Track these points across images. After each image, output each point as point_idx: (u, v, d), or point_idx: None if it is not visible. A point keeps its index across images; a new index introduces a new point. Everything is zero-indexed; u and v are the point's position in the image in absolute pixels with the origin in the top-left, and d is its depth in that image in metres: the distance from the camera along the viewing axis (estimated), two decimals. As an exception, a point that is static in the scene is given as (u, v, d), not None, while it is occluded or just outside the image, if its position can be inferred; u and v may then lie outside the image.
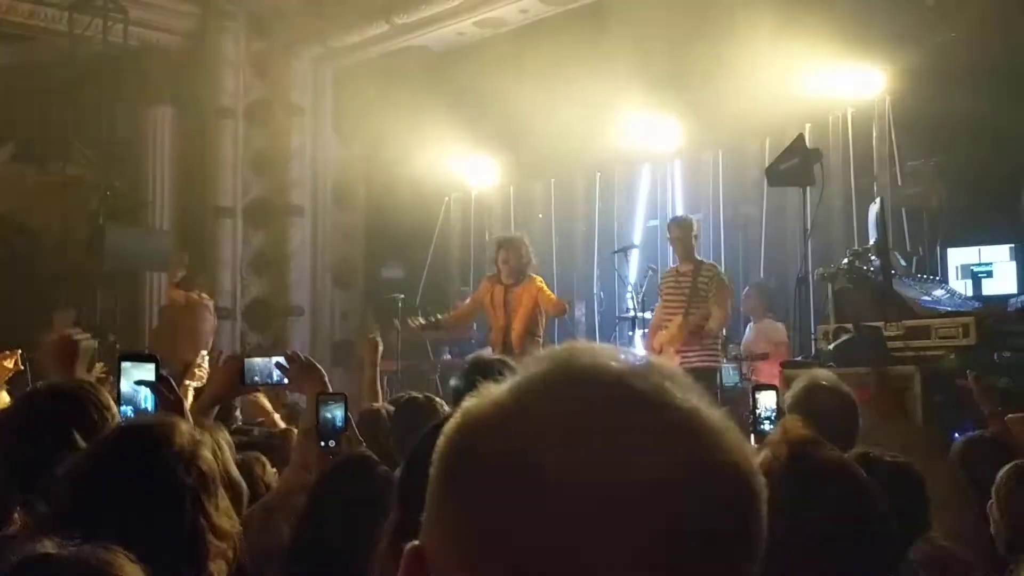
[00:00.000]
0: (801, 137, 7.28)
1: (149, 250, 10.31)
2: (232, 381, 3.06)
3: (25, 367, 5.80)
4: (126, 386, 2.54)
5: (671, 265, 7.94)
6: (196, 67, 11.21)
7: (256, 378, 3.08)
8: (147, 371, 2.58)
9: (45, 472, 1.97)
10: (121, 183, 10.63)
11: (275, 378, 3.07)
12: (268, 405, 5.81)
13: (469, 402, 0.73)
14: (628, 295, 9.32)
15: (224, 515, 1.78)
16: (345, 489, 2.31)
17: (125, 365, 2.59)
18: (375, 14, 10.32)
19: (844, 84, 8.41)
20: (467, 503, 0.68)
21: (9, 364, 5.46)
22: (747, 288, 8.83)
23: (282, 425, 5.49)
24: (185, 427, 1.89)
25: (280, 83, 11.37)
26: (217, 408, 3.14)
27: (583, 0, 9.44)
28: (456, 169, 12.54)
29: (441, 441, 0.72)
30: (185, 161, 11.21)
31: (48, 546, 1.23)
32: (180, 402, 2.66)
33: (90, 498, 1.70)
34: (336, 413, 2.84)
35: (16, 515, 2.10)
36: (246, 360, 3.11)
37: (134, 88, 10.89)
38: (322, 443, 2.80)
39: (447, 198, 12.85)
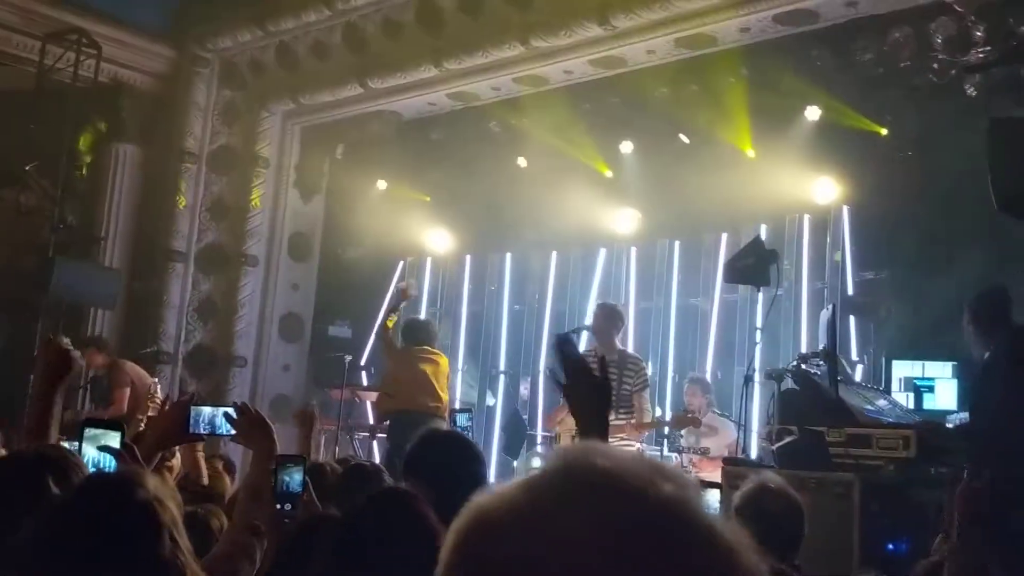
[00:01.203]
0: (759, 238, 7.41)
1: (97, 286, 10.11)
2: (176, 428, 2.94)
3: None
4: (90, 452, 2.47)
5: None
6: (165, 109, 11.14)
7: (202, 427, 2.98)
8: (112, 438, 2.52)
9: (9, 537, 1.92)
10: (75, 217, 10.46)
11: (222, 429, 2.97)
12: (200, 457, 5.63)
13: (481, 500, 0.71)
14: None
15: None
16: (310, 548, 2.25)
17: (89, 432, 2.52)
18: (349, 76, 10.37)
19: (803, 189, 8.62)
20: None
21: None
22: (687, 383, 8.75)
23: (206, 480, 5.35)
24: (151, 477, 1.87)
25: (247, 133, 11.33)
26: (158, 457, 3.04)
27: (556, 83, 9.55)
28: (414, 233, 12.58)
29: (453, 538, 0.70)
30: (143, 201, 11.07)
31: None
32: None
33: (63, 549, 1.66)
34: (294, 476, 2.76)
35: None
36: (192, 408, 3.00)
37: (99, 123, 10.78)
38: (279, 506, 2.70)
39: (403, 261, 12.85)
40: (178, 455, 5.34)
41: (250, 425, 2.91)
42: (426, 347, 8.57)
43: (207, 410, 3.02)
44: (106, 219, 10.86)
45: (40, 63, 10.14)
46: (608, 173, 10.50)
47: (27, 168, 10.29)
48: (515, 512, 0.68)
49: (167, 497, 1.84)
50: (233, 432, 2.96)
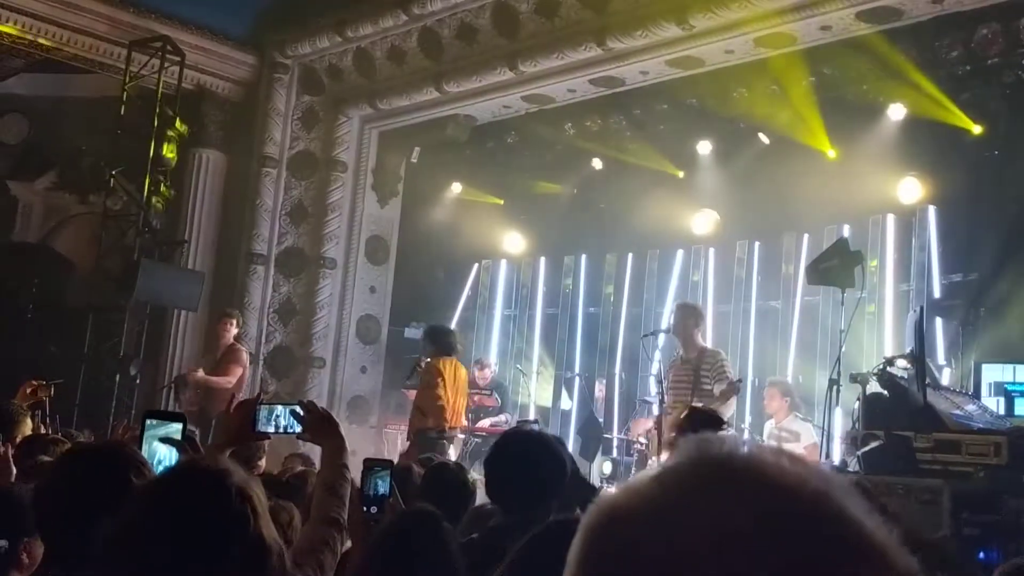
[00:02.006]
0: (844, 239, 7.30)
1: (180, 288, 10.37)
2: (242, 427, 2.92)
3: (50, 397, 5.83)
4: (150, 443, 2.51)
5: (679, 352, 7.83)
6: (246, 115, 11.39)
7: (268, 426, 2.96)
8: (174, 430, 2.54)
9: (83, 533, 1.97)
10: (159, 221, 10.74)
11: (289, 427, 2.95)
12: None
13: (610, 496, 0.70)
14: (651, 379, 9.28)
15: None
16: (411, 543, 2.28)
17: (151, 422, 2.56)
18: (425, 80, 10.48)
19: (887, 189, 8.46)
20: None
21: (41, 394, 5.46)
22: (767, 386, 8.64)
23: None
24: (239, 468, 1.88)
25: (325, 138, 11.52)
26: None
27: (632, 84, 9.53)
28: (489, 236, 12.66)
29: (584, 537, 0.68)
30: (225, 204, 11.34)
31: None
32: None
33: (151, 538, 1.67)
34: (382, 480, 2.80)
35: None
36: (259, 406, 2.99)
37: (182, 129, 11.05)
38: (366, 508, 2.75)
39: (478, 264, 12.94)
40: (264, 458, 5.45)
41: (317, 422, 2.91)
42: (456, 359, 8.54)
43: (274, 408, 3.00)
44: (189, 223, 11.14)
45: (126, 70, 10.44)
46: (684, 174, 10.44)
47: (113, 173, 10.60)
48: (650, 505, 0.66)
49: (256, 487, 1.84)
50: (300, 430, 2.94)
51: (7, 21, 9.98)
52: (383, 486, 2.79)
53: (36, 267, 11.28)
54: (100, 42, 10.52)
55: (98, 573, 1.77)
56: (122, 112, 10.49)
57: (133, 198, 10.65)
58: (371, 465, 2.82)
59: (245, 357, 9.40)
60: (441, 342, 8.50)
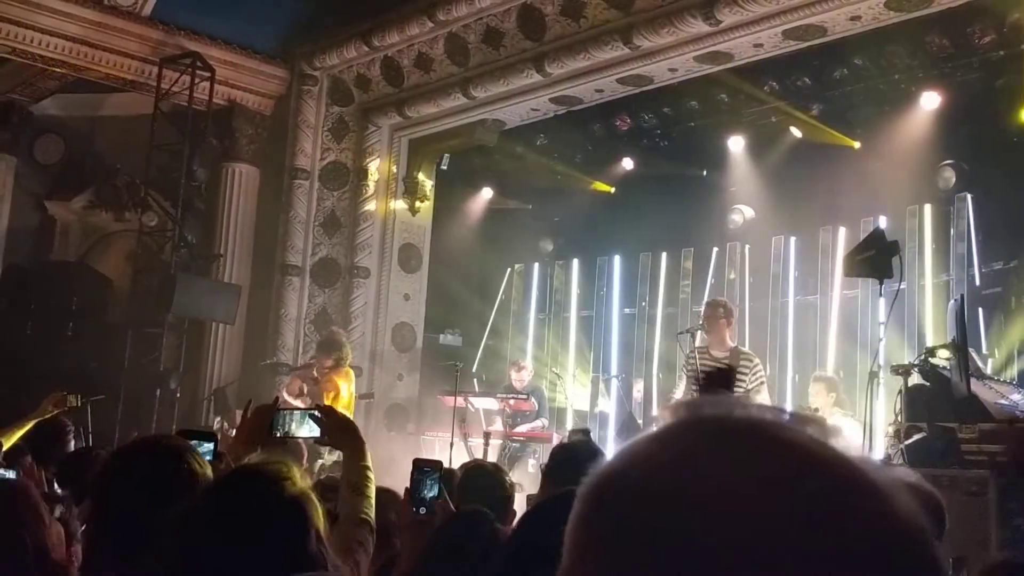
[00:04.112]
0: (879, 229, 7.24)
1: (217, 302, 10.49)
2: (260, 431, 2.93)
3: (80, 406, 5.91)
4: None
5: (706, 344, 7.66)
6: (276, 128, 11.52)
7: (286, 430, 2.96)
8: (205, 450, 2.53)
9: (141, 529, 1.99)
10: (194, 235, 10.88)
11: (307, 431, 2.97)
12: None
13: (608, 461, 0.67)
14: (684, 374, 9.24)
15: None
16: (464, 541, 2.30)
17: None
18: (453, 86, 10.54)
19: (923, 179, 8.39)
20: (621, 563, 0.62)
21: (65, 403, 5.52)
22: (812, 382, 8.57)
23: None
24: (298, 469, 1.90)
25: (355, 148, 11.61)
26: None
27: (660, 82, 9.52)
28: (521, 239, 12.69)
29: (583, 505, 0.66)
30: (258, 217, 11.46)
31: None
32: None
33: (209, 539, 1.69)
34: (431, 481, 2.81)
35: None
36: (277, 411, 2.99)
37: (215, 144, 11.21)
38: (415, 509, 2.76)
39: (510, 268, 12.98)
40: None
41: (336, 426, 2.94)
42: None
43: (292, 414, 3.02)
44: (224, 237, 11.26)
45: (157, 88, 10.58)
46: (717, 171, 10.41)
47: (148, 190, 10.76)
48: (649, 464, 0.64)
49: (314, 493, 1.87)
50: (318, 434, 2.97)
51: (41, 44, 10.16)
52: (432, 487, 2.80)
53: (75, 285, 11.46)
54: (131, 60, 10.68)
55: (156, 561, 1.79)
56: (154, 129, 10.65)
57: (168, 214, 10.80)
58: (420, 466, 2.83)
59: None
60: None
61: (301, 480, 1.87)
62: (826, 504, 0.60)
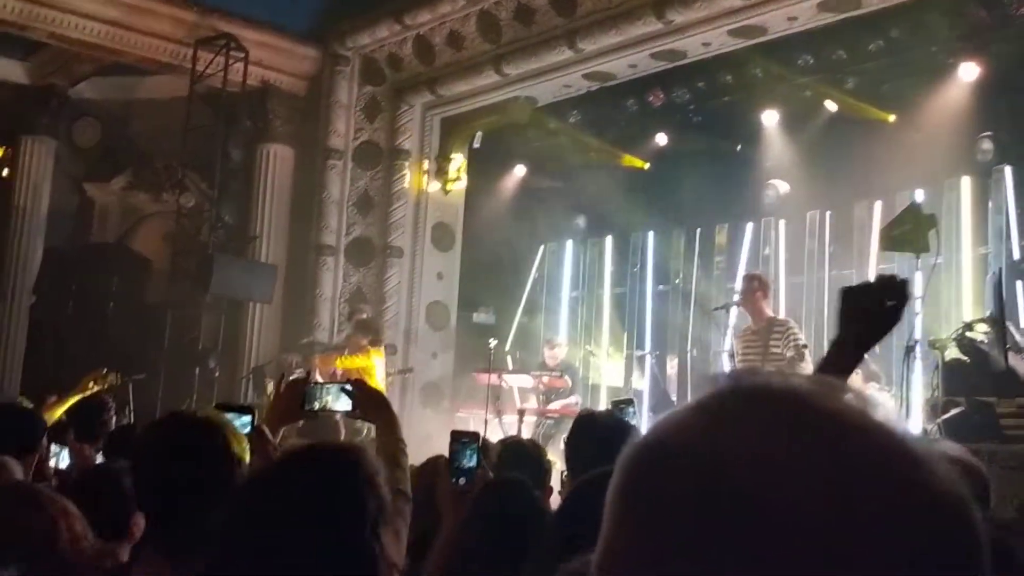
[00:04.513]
0: (916, 203, 7.18)
1: (254, 282, 10.61)
2: (294, 406, 2.95)
3: (120, 383, 6.02)
4: None
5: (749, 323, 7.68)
6: (310, 108, 11.58)
7: (318, 404, 2.98)
8: (243, 422, 2.57)
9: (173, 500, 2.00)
10: (231, 216, 10.99)
11: (340, 405, 2.98)
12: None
13: (647, 431, 0.68)
14: (724, 355, 9.23)
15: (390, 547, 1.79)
16: (503, 509, 2.33)
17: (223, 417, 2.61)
18: (485, 64, 10.54)
19: (961, 151, 8.29)
20: (663, 533, 0.62)
21: (104, 381, 5.62)
22: None
23: None
24: (371, 455, 1.89)
25: (388, 127, 11.65)
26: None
27: (694, 56, 9.46)
28: (553, 217, 12.69)
29: (622, 476, 0.66)
30: (293, 198, 11.55)
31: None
32: (275, 451, 2.66)
33: (271, 516, 1.68)
34: (469, 452, 2.84)
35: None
36: (310, 386, 3.02)
37: (250, 125, 11.29)
38: (454, 480, 2.80)
39: (543, 246, 12.99)
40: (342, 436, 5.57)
41: (368, 400, 2.95)
42: None
43: (325, 387, 3.05)
44: (259, 217, 11.36)
45: (192, 70, 10.67)
46: (751, 146, 10.34)
47: (184, 172, 10.87)
48: (690, 433, 0.64)
49: (381, 475, 1.83)
50: (350, 408, 2.98)
51: (78, 27, 10.28)
52: (471, 458, 2.83)
53: (114, 266, 11.62)
54: (166, 43, 10.77)
55: (211, 554, 1.76)
56: (190, 111, 10.75)
57: (205, 195, 10.91)
58: (458, 437, 2.86)
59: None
60: None
61: (373, 468, 1.82)
62: (865, 472, 0.60)
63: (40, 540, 2.45)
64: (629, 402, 3.41)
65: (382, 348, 9.45)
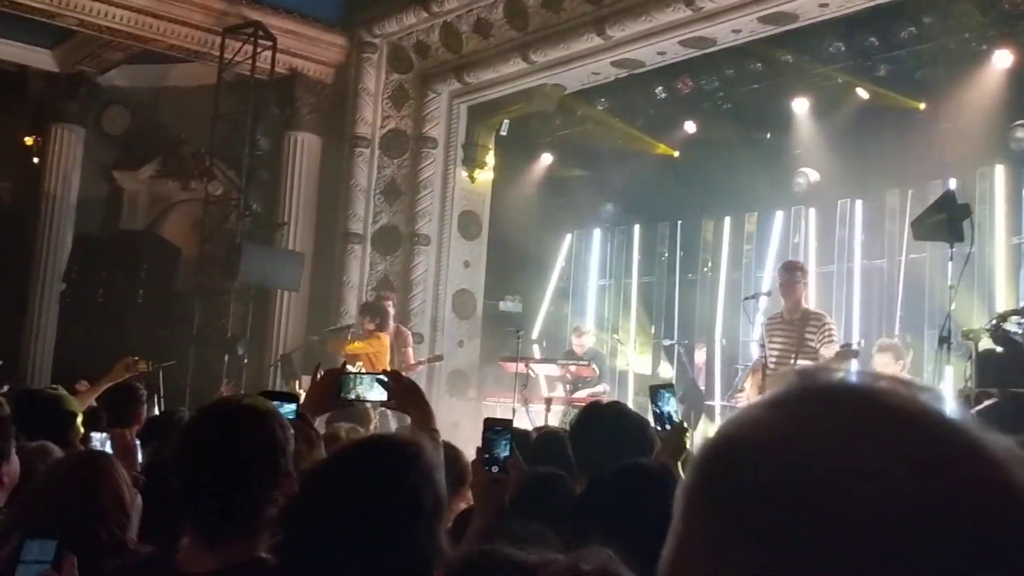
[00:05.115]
0: (950, 191, 7.10)
1: (282, 269, 10.66)
2: (330, 394, 2.98)
3: (151, 370, 6.07)
4: None
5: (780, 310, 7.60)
6: (337, 96, 11.61)
7: (353, 394, 3.01)
8: (288, 410, 2.55)
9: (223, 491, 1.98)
10: (259, 204, 11.05)
11: (375, 395, 3.01)
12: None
13: (721, 428, 0.68)
14: (755, 343, 9.17)
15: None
16: (546, 499, 2.30)
17: None
18: (512, 51, 10.51)
19: (995, 139, 8.19)
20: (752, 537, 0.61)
21: (136, 368, 5.65)
22: (876, 351, 8.42)
23: None
24: (431, 447, 1.90)
25: (415, 115, 11.65)
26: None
27: (724, 43, 9.39)
28: (580, 205, 12.66)
29: (696, 476, 0.66)
30: (320, 186, 11.59)
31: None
32: (319, 438, 2.70)
33: (331, 508, 1.70)
34: (502, 440, 2.83)
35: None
36: (344, 375, 3.05)
37: (277, 113, 11.33)
38: (487, 468, 2.79)
39: (571, 234, 12.96)
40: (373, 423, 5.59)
41: (403, 391, 2.95)
42: None
43: (360, 378, 3.08)
44: (287, 205, 11.41)
45: (220, 57, 10.72)
46: (781, 133, 10.25)
47: (213, 160, 10.93)
48: (771, 433, 0.64)
49: (439, 470, 1.87)
50: (385, 398, 3.00)
51: (107, 15, 10.34)
52: (505, 446, 2.83)
53: (144, 253, 11.70)
54: (195, 31, 10.82)
55: (271, 543, 1.79)
56: (218, 99, 10.80)
57: (233, 183, 10.97)
58: (491, 425, 2.86)
59: (411, 338, 9.92)
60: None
61: (433, 461, 1.85)
62: (948, 474, 0.60)
63: (111, 503, 2.51)
64: (668, 386, 3.41)
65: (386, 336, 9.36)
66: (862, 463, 0.60)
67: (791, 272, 7.35)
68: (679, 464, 3.07)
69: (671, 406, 3.19)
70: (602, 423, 3.31)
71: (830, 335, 7.14)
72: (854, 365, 7.07)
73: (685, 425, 3.33)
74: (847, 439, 0.62)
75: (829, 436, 0.62)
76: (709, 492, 0.65)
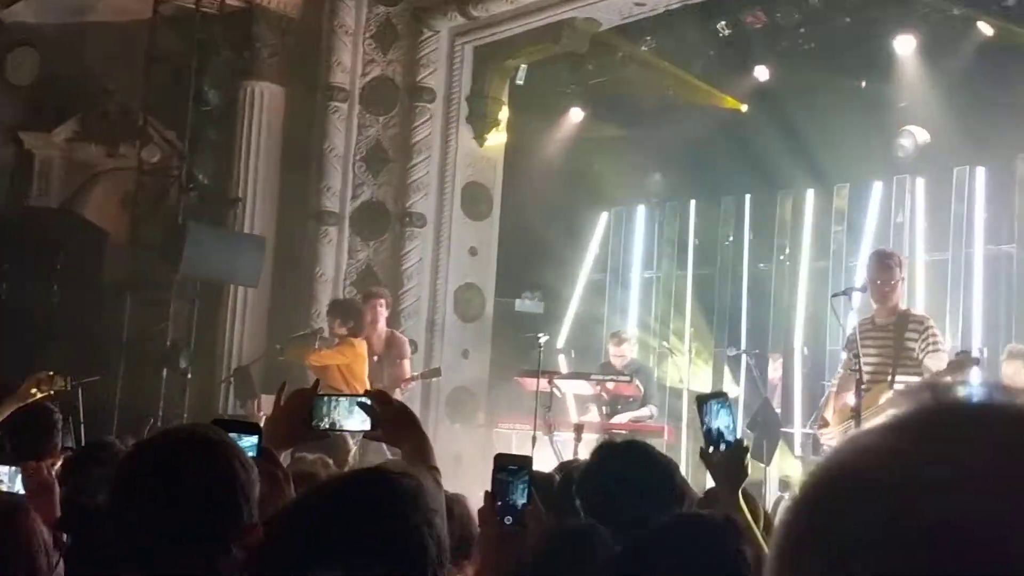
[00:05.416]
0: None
1: (236, 258, 10.65)
2: (297, 424, 2.92)
3: (69, 388, 6.06)
4: None
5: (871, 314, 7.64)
6: (307, 37, 11.57)
7: (327, 421, 2.93)
8: (247, 443, 2.55)
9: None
10: (206, 174, 11.03)
11: (356, 423, 2.94)
12: None
13: (830, 456, 0.71)
14: (843, 352, 9.14)
15: None
16: (571, 563, 2.34)
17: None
18: (532, -26, 10.51)
19: None
20: None
21: (50, 385, 5.64)
22: (1005, 357, 8.44)
23: None
24: (431, 486, 1.93)
25: (406, 60, 11.62)
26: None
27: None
28: (619, 176, 12.62)
29: (798, 512, 0.70)
30: (286, 152, 11.56)
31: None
32: (286, 479, 2.68)
33: (309, 559, 1.74)
34: (518, 484, 2.78)
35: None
36: (319, 397, 2.97)
37: (230, 56, 11.30)
38: (500, 518, 2.74)
39: (607, 212, 12.92)
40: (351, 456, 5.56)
41: (393, 418, 2.89)
42: None
43: (337, 400, 2.99)
44: (243, 176, 11.40)
45: (155, -12, 10.75)
46: (880, 81, 10.20)
47: (147, 117, 10.92)
48: (893, 460, 0.67)
49: (442, 513, 1.91)
50: (368, 427, 2.91)
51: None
52: (522, 492, 2.78)
53: (60, 237, 11.70)
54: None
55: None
56: (153, 38, 10.78)
57: (173, 148, 10.96)
58: (504, 464, 2.80)
59: (408, 348, 9.96)
60: None
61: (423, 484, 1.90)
62: None
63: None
64: (719, 396, 3.37)
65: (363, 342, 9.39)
66: (1005, 491, 0.63)
67: (888, 268, 7.35)
68: (739, 497, 3.11)
69: (724, 420, 3.18)
70: (616, 468, 3.31)
71: (936, 343, 7.20)
72: (975, 376, 7.05)
73: (745, 443, 3.34)
74: (1005, 472, 0.64)
75: (978, 469, 0.64)
76: (817, 543, 0.67)
